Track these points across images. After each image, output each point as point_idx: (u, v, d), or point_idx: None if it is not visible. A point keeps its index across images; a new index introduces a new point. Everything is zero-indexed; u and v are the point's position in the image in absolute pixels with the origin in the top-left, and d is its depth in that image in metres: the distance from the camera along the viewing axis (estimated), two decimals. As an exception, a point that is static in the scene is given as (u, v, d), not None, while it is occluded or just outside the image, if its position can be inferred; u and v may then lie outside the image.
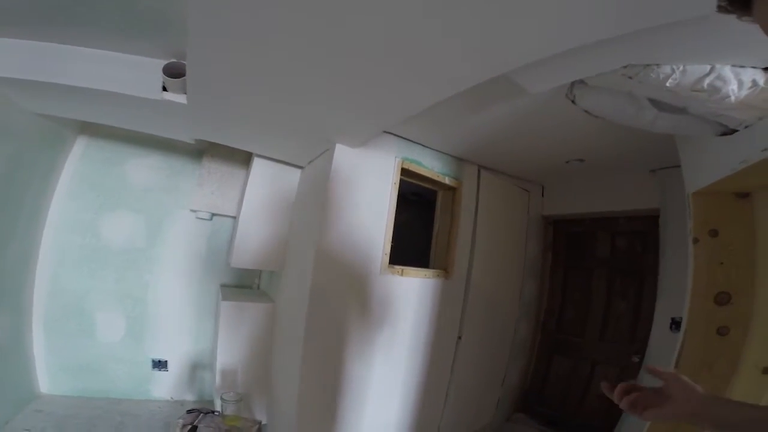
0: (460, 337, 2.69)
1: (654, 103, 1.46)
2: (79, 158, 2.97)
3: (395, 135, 2.36)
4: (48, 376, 2.80)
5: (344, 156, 2.17)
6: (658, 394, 0.76)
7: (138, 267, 3.09)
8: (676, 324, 2.30)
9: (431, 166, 2.58)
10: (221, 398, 2.12)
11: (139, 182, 3.13)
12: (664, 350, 2.26)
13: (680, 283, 1.80)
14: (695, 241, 1.69)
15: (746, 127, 1.31)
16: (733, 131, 1.38)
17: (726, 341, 1.53)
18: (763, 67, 1.16)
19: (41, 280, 2.80)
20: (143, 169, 3.14)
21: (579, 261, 3.28)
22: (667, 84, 1.25)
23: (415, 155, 2.48)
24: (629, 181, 2.78)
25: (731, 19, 0.89)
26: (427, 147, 2.55)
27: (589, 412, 2.96)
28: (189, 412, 2.01)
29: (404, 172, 2.42)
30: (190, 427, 1.98)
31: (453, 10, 0.96)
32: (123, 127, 2.68)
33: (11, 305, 2.56)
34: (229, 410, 2.06)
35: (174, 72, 1.92)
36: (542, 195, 3.44)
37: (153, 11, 1.57)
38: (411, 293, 2.42)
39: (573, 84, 1.60)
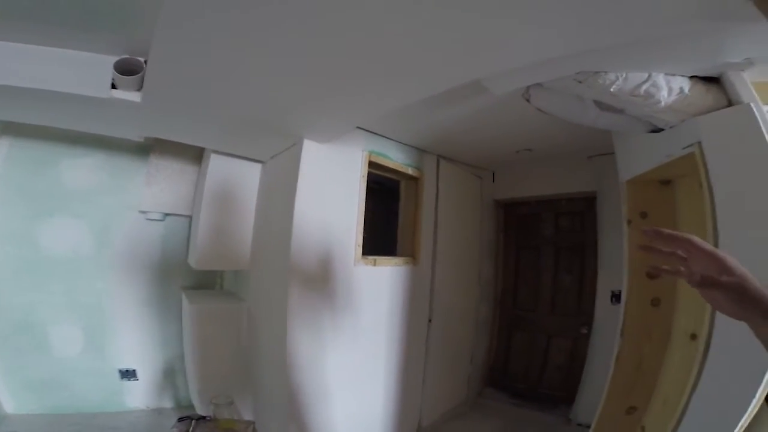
0: (430, 320, 2.87)
1: (597, 103, 1.66)
2: (3, 161, 2.67)
3: (362, 129, 2.40)
4: (11, 396, 2.63)
5: (313, 151, 2.18)
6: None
7: (88, 275, 2.88)
8: (616, 297, 2.63)
9: (396, 158, 2.67)
10: (212, 403, 2.10)
11: (77, 184, 2.88)
12: (607, 321, 2.58)
13: (616, 258, 2.08)
14: (629, 222, 1.96)
15: (671, 127, 1.55)
16: (661, 130, 1.62)
17: (659, 311, 1.81)
18: (690, 75, 1.38)
19: (-20, 295, 2.54)
20: (81, 170, 2.89)
21: (528, 240, 3.59)
22: (611, 89, 1.44)
23: (381, 148, 2.55)
24: (569, 166, 3.08)
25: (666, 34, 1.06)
26: (392, 140, 2.63)
27: (550, 383, 3.29)
28: (180, 420, 1.97)
29: (371, 164, 2.49)
30: None
31: (436, 23, 1.04)
32: (62, 128, 2.44)
33: None
34: (221, 414, 2.05)
35: (126, 69, 1.79)
36: (493, 180, 3.69)
37: (106, 3, 1.45)
38: (384, 282, 2.53)
39: (530, 86, 1.76)
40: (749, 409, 1.10)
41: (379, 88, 1.49)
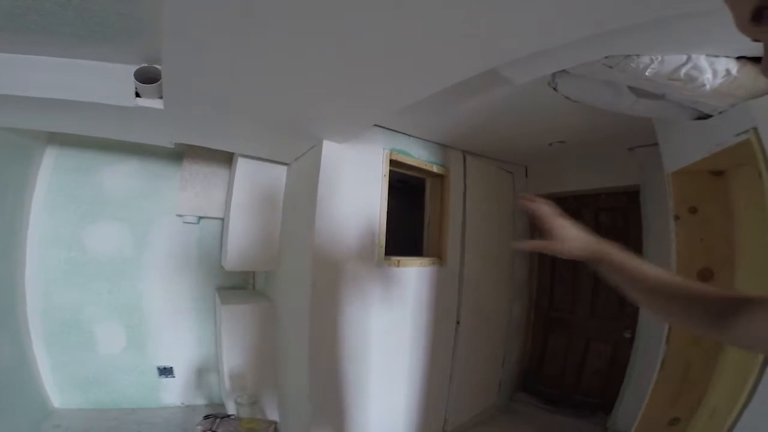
0: (458, 323, 2.77)
1: (633, 89, 1.50)
2: (52, 170, 2.86)
3: (382, 127, 2.35)
4: (59, 392, 2.79)
5: (332, 151, 2.16)
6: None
7: (129, 276, 3.04)
8: (662, 298, 2.40)
9: (419, 156, 2.59)
10: (235, 402, 2.15)
11: (117, 190, 3.04)
12: (653, 325, 2.37)
13: (663, 257, 1.89)
14: (676, 218, 1.77)
15: (720, 112, 1.37)
16: (708, 116, 1.43)
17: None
18: (736, 56, 1.21)
19: (33, 298, 2.74)
20: (121, 176, 3.05)
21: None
22: (646, 73, 1.29)
23: (402, 146, 2.49)
24: (609, 159, 2.85)
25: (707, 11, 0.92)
26: (413, 137, 2.56)
27: (587, 389, 3.09)
28: (206, 418, 2.04)
29: (393, 162, 2.43)
30: None
31: (450, 9, 0.95)
32: (97, 136, 2.57)
33: (7, 326, 2.52)
34: (244, 413, 2.09)
35: (147, 77, 1.85)
36: (526, 176, 3.50)
37: (120, 16, 1.48)
38: (409, 283, 2.47)
39: (555, 73, 1.63)
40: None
41: (389, 83, 1.42)
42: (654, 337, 2.07)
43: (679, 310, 0.63)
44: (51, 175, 2.85)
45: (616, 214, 3.07)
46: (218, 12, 1.03)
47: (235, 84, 1.52)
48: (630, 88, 1.51)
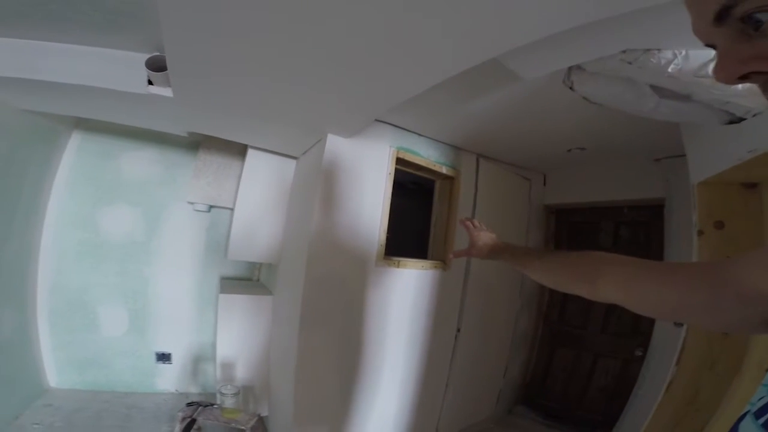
0: (459, 330, 2.66)
1: (656, 89, 1.38)
2: (75, 153, 2.94)
3: (389, 124, 2.29)
4: (56, 371, 2.83)
5: (336, 146, 2.11)
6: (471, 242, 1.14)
7: (138, 260, 3.08)
8: (680, 319, 2.23)
9: (427, 155, 2.51)
10: (219, 392, 2.13)
11: (135, 175, 3.10)
12: (668, 345, 2.20)
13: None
14: (700, 233, 1.62)
15: (755, 115, 1.22)
16: (741, 119, 1.29)
17: (730, 340, 1.47)
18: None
19: (44, 275, 2.80)
20: (139, 162, 3.11)
21: (582, 251, 3.21)
22: (669, 70, 1.17)
23: (410, 144, 2.41)
24: (633, 169, 2.68)
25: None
26: (422, 136, 2.48)
27: (590, 406, 2.95)
28: (189, 405, 2.02)
29: (400, 161, 2.36)
30: (189, 420, 1.99)
31: None
32: (115, 122, 2.63)
33: (15, 301, 2.57)
34: (228, 403, 2.06)
35: (157, 65, 1.86)
36: (544, 184, 3.35)
37: (128, 4, 1.50)
38: (408, 285, 2.38)
39: (570, 70, 1.52)
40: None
41: (385, 73, 1.35)
42: (668, 357, 1.92)
43: (555, 276, 0.81)
44: (75, 157, 2.93)
45: (638, 228, 2.88)
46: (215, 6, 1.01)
47: (235, 72, 1.51)
48: (652, 87, 1.38)
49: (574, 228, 3.30)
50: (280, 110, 1.88)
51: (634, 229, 2.90)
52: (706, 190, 1.60)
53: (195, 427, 1.89)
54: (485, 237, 1.10)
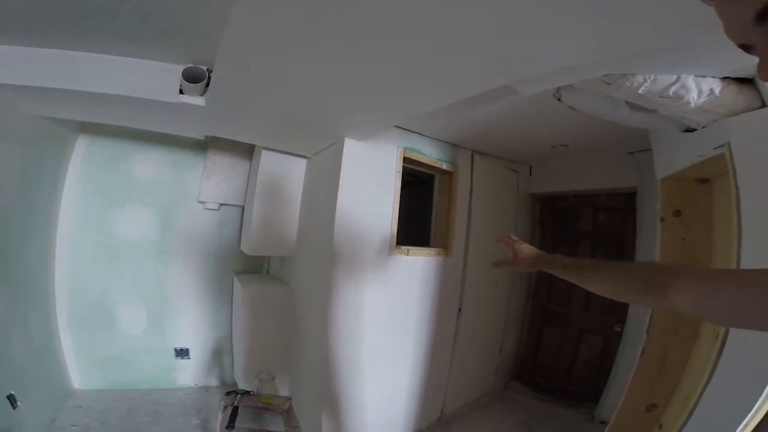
0: (460, 310, 2.98)
1: (628, 103, 1.68)
2: (82, 157, 2.99)
3: (398, 127, 2.53)
4: (79, 372, 2.93)
5: (352, 149, 2.35)
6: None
7: (152, 260, 3.20)
8: (651, 294, 2.59)
9: (429, 153, 2.78)
10: (257, 378, 2.33)
11: (145, 177, 3.19)
12: (641, 320, 2.53)
13: (653, 256, 2.08)
14: (662, 220, 1.96)
15: (703, 127, 1.55)
16: (694, 129, 1.62)
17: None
18: (721, 77, 1.39)
19: (61, 278, 2.87)
20: (148, 164, 3.21)
21: (565, 235, 3.57)
22: (639, 91, 1.47)
23: (415, 144, 2.67)
24: (609, 161, 3.03)
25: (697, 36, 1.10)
26: (425, 136, 2.74)
27: (578, 379, 3.29)
28: (227, 394, 2.22)
29: (406, 160, 2.62)
30: (231, 407, 2.19)
31: (481, 33, 1.13)
32: (134, 127, 2.75)
33: (39, 306, 2.64)
34: (264, 389, 2.27)
35: (191, 76, 2.03)
36: (530, 174, 3.68)
37: (172, 21, 1.62)
38: (416, 271, 2.67)
39: (560, 87, 1.81)
40: (753, 410, 1.13)
41: (414, 94, 1.61)
42: (641, 332, 2.23)
43: (619, 287, 0.81)
44: (81, 161, 2.99)
45: (614, 213, 3.25)
46: (278, 26, 1.20)
47: (276, 86, 1.71)
48: (626, 102, 1.69)
49: (557, 213, 3.66)
50: (304, 118, 2.09)
51: (610, 215, 3.27)
52: (668, 184, 1.94)
53: (237, 413, 2.10)
54: (527, 249, 1.13)
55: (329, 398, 2.29)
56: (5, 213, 2.23)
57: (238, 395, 2.27)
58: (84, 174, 3.01)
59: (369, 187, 2.43)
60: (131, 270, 3.14)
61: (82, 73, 1.95)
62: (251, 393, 2.33)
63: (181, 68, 2.00)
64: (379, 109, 1.85)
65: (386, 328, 2.51)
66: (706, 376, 1.32)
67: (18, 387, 2.15)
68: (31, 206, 2.54)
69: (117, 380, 3.03)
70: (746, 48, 0.43)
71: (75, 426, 2.49)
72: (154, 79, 2.03)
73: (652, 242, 2.21)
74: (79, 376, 2.93)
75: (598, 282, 0.84)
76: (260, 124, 2.31)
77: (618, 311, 2.98)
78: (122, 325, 3.08)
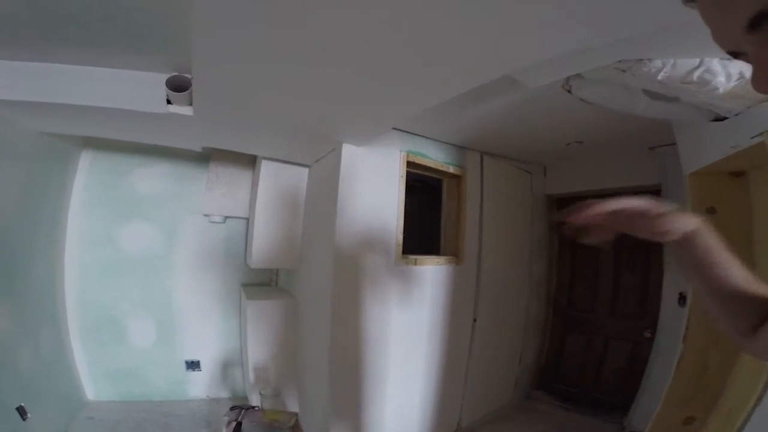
0: (475, 320, 2.82)
1: (647, 92, 1.52)
2: (87, 172, 3.01)
3: (398, 130, 2.41)
4: (93, 384, 2.96)
5: (351, 154, 2.23)
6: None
7: (159, 274, 3.19)
8: (684, 298, 2.38)
9: (435, 157, 2.64)
10: (260, 393, 2.25)
11: (148, 191, 3.18)
12: (675, 324, 2.34)
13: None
14: (694, 219, 1.76)
15: (736, 114, 1.37)
16: (724, 118, 1.43)
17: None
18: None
19: (71, 293, 2.90)
20: (151, 178, 3.19)
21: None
22: (659, 77, 1.31)
23: (418, 147, 2.54)
24: (629, 158, 2.83)
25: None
26: (429, 138, 2.61)
27: (605, 388, 3.09)
28: (232, 409, 2.13)
29: (410, 164, 2.49)
30: (235, 423, 2.10)
31: (468, 14, 0.99)
32: (130, 141, 2.72)
33: (49, 319, 2.67)
34: (268, 405, 2.18)
35: (177, 85, 1.95)
36: (544, 175, 3.50)
37: (149, 28, 1.55)
38: (425, 281, 2.53)
39: (569, 77, 1.65)
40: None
41: (405, 90, 1.48)
42: (674, 338, 2.07)
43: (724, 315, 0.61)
44: (86, 177, 3.00)
45: (636, 214, 3.03)
46: (243, 28, 1.11)
47: (260, 94, 1.61)
48: (644, 90, 1.52)
49: (575, 216, 3.44)
50: (298, 125, 1.99)
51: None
52: (698, 179, 1.75)
53: (241, 429, 2.01)
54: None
55: (337, 414, 2.17)
56: (7, 228, 2.23)
57: (243, 410, 2.18)
58: (88, 189, 3.02)
59: (370, 194, 2.30)
60: (138, 284, 3.13)
61: (64, 86, 1.89)
62: (256, 408, 2.23)
63: (165, 77, 1.93)
64: (371, 110, 1.73)
65: (395, 341, 2.37)
66: (757, 392, 1.14)
67: (28, 399, 2.16)
68: (35, 221, 2.54)
69: (130, 392, 3.05)
70: (735, 55, 0.40)
71: (88, 437, 2.47)
72: (139, 89, 1.96)
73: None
74: (93, 388, 2.97)
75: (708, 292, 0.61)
76: (252, 132, 2.22)
77: (647, 316, 2.77)
78: (132, 338, 3.09)
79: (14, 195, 2.29)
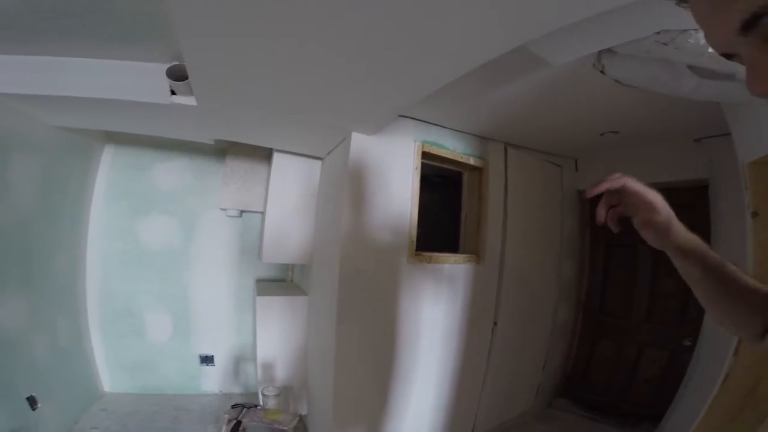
0: (495, 323, 2.64)
1: (694, 69, 1.30)
2: (110, 166, 3.06)
3: (412, 118, 2.26)
4: (110, 376, 3.01)
5: (361, 144, 2.11)
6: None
7: (177, 267, 3.21)
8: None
9: (453, 148, 2.48)
10: (261, 393, 2.20)
11: (167, 185, 3.21)
12: (718, 334, 2.09)
13: (735, 258, 1.63)
14: (754, 215, 1.53)
15: (808, 90, 1.13)
16: (793, 95, 1.20)
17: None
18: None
19: (92, 285, 2.97)
20: (170, 173, 3.22)
21: (621, 239, 3.09)
22: (709, 50, 1.10)
23: (434, 137, 2.38)
24: (672, 151, 2.56)
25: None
26: (446, 128, 2.44)
27: (636, 398, 2.86)
28: (233, 407, 2.10)
29: (425, 155, 2.34)
30: (235, 422, 2.07)
31: None
32: (142, 134, 2.72)
33: (69, 310, 2.73)
34: (270, 404, 2.13)
35: (179, 75, 1.89)
36: (576, 169, 3.25)
37: (144, 16, 1.49)
38: (440, 280, 2.37)
39: (600, 53, 1.46)
40: None
41: (409, 66, 1.32)
42: (719, 346, 1.84)
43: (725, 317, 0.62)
44: (109, 171, 3.06)
45: (680, 211, 2.72)
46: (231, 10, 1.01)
47: (256, 74, 1.51)
48: (690, 67, 1.30)
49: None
50: (302, 110, 1.87)
51: (677, 213, 2.76)
52: (759, 169, 1.51)
53: (240, 428, 1.96)
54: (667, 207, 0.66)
55: (343, 419, 2.07)
56: (26, 220, 2.27)
57: (244, 409, 2.15)
58: (110, 183, 3.08)
59: (382, 186, 2.17)
60: (157, 277, 3.17)
61: (65, 79, 1.88)
62: (258, 407, 2.18)
63: (165, 67, 1.87)
64: (378, 90, 1.57)
65: (406, 343, 2.24)
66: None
67: (41, 389, 2.20)
68: (57, 213, 2.60)
69: (145, 385, 3.09)
70: (729, 56, 0.39)
71: (95, 429, 2.52)
72: (141, 80, 1.92)
73: (738, 243, 1.74)
74: (110, 380, 3.02)
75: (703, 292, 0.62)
76: (259, 121, 2.13)
77: (689, 323, 2.50)
78: (149, 331, 3.13)
79: (34, 188, 2.33)
